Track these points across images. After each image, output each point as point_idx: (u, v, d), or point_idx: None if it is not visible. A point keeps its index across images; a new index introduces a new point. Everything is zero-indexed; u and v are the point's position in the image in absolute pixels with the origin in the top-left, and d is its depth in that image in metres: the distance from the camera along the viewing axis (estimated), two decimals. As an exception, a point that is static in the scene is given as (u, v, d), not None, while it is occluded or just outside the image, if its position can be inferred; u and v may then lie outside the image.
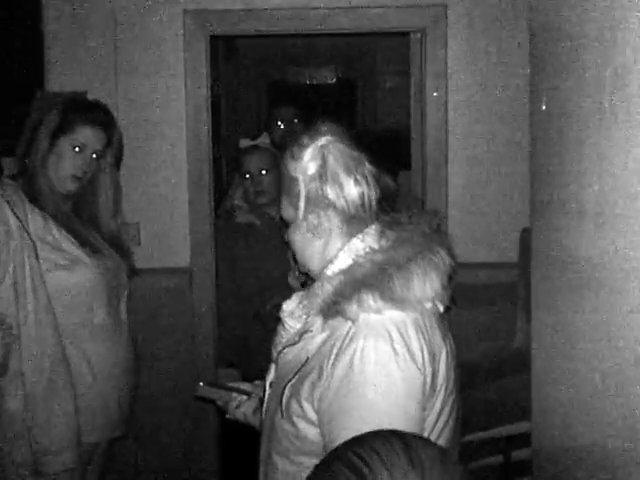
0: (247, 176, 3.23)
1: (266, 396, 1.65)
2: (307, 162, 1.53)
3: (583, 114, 1.53)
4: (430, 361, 1.45)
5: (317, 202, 1.53)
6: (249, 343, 3.19)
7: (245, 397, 1.87)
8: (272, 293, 2.86)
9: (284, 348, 1.59)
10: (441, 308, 1.53)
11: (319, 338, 1.50)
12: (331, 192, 1.52)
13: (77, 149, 2.45)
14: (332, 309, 1.46)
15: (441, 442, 1.51)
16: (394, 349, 1.41)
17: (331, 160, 1.52)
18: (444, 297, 1.52)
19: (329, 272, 1.54)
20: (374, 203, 1.55)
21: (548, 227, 1.81)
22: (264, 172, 3.19)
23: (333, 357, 1.44)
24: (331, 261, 1.55)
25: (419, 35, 3.30)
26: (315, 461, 1.06)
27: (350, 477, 0.90)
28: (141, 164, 3.21)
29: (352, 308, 1.43)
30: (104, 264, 2.50)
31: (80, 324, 2.44)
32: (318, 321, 1.50)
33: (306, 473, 1.04)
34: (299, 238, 1.59)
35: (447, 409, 1.52)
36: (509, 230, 3.20)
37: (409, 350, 1.42)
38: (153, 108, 3.22)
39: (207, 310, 3.30)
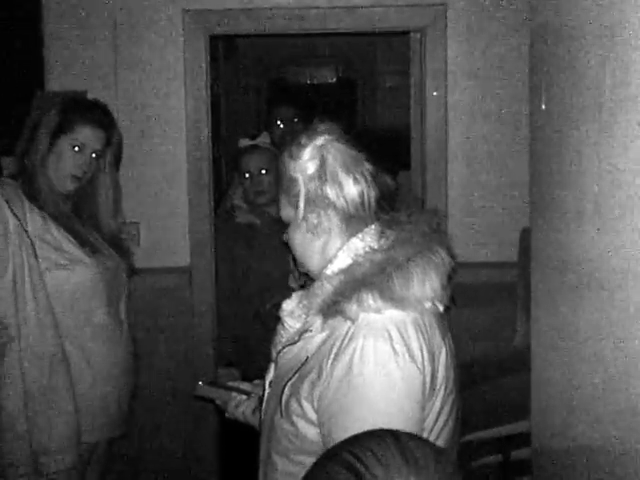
0: (247, 176, 3.22)
1: (265, 395, 1.65)
2: (306, 162, 1.53)
3: (583, 114, 1.53)
4: (430, 361, 1.45)
5: (317, 202, 1.53)
6: (249, 342, 3.19)
7: (244, 396, 1.87)
8: (272, 293, 2.86)
9: (284, 347, 1.59)
10: (441, 308, 1.53)
11: (319, 337, 1.50)
12: (331, 191, 1.52)
13: (77, 149, 2.45)
14: (332, 309, 1.46)
15: (441, 442, 1.52)
16: (394, 349, 1.41)
17: (330, 159, 1.52)
18: (444, 297, 1.51)
19: (329, 272, 1.54)
20: (373, 202, 1.55)
21: (548, 227, 1.81)
22: (264, 172, 3.19)
23: (333, 356, 1.44)
24: (331, 261, 1.55)
25: (419, 35, 3.30)
26: (315, 460, 1.06)
27: (346, 476, 0.91)
28: (141, 164, 3.21)
29: (352, 308, 1.43)
30: (104, 264, 2.50)
31: (80, 324, 2.44)
32: (318, 320, 1.50)
33: (306, 473, 1.04)
34: (299, 238, 1.59)
35: (447, 409, 1.52)
36: (509, 230, 3.20)
37: (409, 350, 1.42)
38: (153, 108, 3.22)
39: (207, 310, 3.30)
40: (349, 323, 1.44)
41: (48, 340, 2.34)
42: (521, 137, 3.06)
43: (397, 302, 1.44)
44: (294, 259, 1.65)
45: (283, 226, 1.62)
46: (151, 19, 3.19)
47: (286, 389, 1.52)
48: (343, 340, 1.44)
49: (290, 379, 1.52)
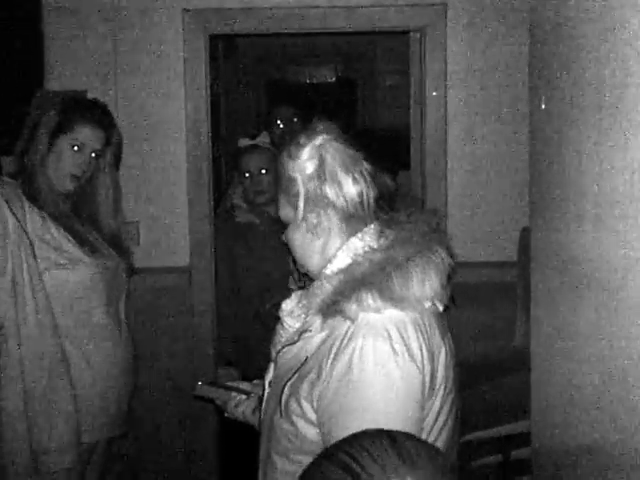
0: (247, 175, 3.23)
1: (265, 395, 1.65)
2: (305, 161, 1.53)
3: (583, 114, 1.53)
4: (429, 360, 1.45)
5: (316, 201, 1.53)
6: (248, 342, 3.19)
7: (244, 396, 1.87)
8: (272, 293, 2.86)
9: (283, 347, 1.59)
10: (440, 307, 1.53)
11: (318, 337, 1.50)
12: (330, 191, 1.52)
13: (76, 148, 2.45)
14: (331, 308, 1.46)
15: (440, 441, 1.52)
16: (393, 348, 1.41)
17: (329, 159, 1.52)
18: (443, 296, 1.51)
19: (328, 271, 1.53)
20: (372, 201, 1.55)
21: (548, 227, 1.81)
22: (264, 171, 3.19)
23: (332, 356, 1.44)
24: (330, 260, 1.55)
25: (419, 34, 3.30)
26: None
27: (341, 476, 0.91)
28: (141, 164, 3.21)
29: (351, 307, 1.43)
30: (103, 263, 2.50)
31: (79, 324, 2.44)
32: (317, 320, 1.50)
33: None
34: (298, 238, 1.58)
35: (446, 408, 1.52)
36: (509, 230, 3.21)
37: (408, 349, 1.42)
38: (153, 107, 3.22)
39: (206, 310, 3.30)
40: (349, 323, 1.44)
41: (48, 340, 2.34)
42: (521, 137, 3.06)
43: (397, 302, 1.44)
44: (293, 260, 1.65)
45: (283, 226, 1.62)
46: (151, 19, 3.19)
47: (286, 389, 1.52)
48: (342, 340, 1.44)
49: (290, 379, 1.52)
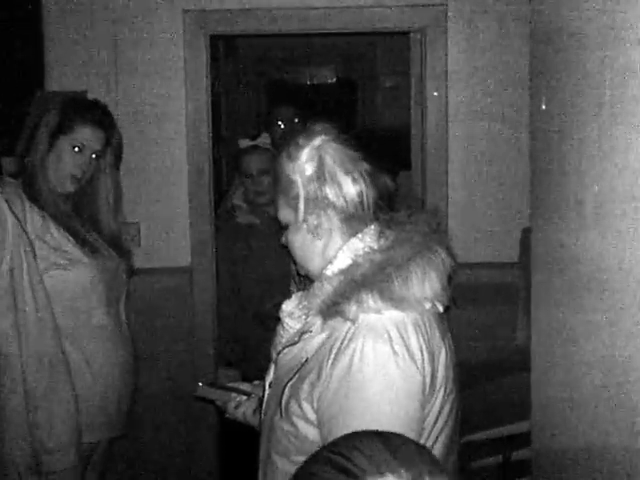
0: (247, 176, 3.23)
1: (265, 396, 1.65)
2: (304, 163, 1.53)
3: (583, 114, 1.53)
4: (429, 361, 1.45)
5: (317, 203, 1.53)
6: (249, 343, 3.19)
7: (244, 397, 1.87)
8: (272, 293, 2.86)
9: (284, 348, 1.59)
10: (440, 308, 1.53)
11: (318, 338, 1.50)
12: (330, 192, 1.52)
13: (76, 149, 2.45)
14: (331, 309, 1.46)
15: (441, 442, 1.52)
16: (393, 349, 1.41)
17: (328, 160, 1.52)
18: (443, 297, 1.51)
19: (328, 272, 1.53)
20: (372, 201, 1.55)
21: (548, 227, 1.81)
22: (264, 172, 3.19)
23: (332, 357, 1.44)
24: (330, 261, 1.55)
25: (419, 35, 3.30)
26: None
27: (332, 473, 0.90)
28: (141, 164, 3.21)
29: (351, 308, 1.43)
30: (103, 264, 2.50)
31: (79, 324, 2.44)
32: (317, 321, 1.50)
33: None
34: (299, 240, 1.58)
35: (447, 409, 1.52)
36: (509, 230, 3.21)
37: (408, 350, 1.42)
38: (153, 108, 3.22)
39: (207, 310, 3.30)
40: (349, 324, 1.44)
41: (48, 340, 2.33)
42: (521, 137, 3.06)
43: (397, 302, 1.44)
44: (294, 262, 1.65)
45: (282, 227, 1.62)
46: (151, 19, 3.19)
47: (286, 390, 1.52)
48: (343, 341, 1.44)
49: (290, 380, 1.52)
